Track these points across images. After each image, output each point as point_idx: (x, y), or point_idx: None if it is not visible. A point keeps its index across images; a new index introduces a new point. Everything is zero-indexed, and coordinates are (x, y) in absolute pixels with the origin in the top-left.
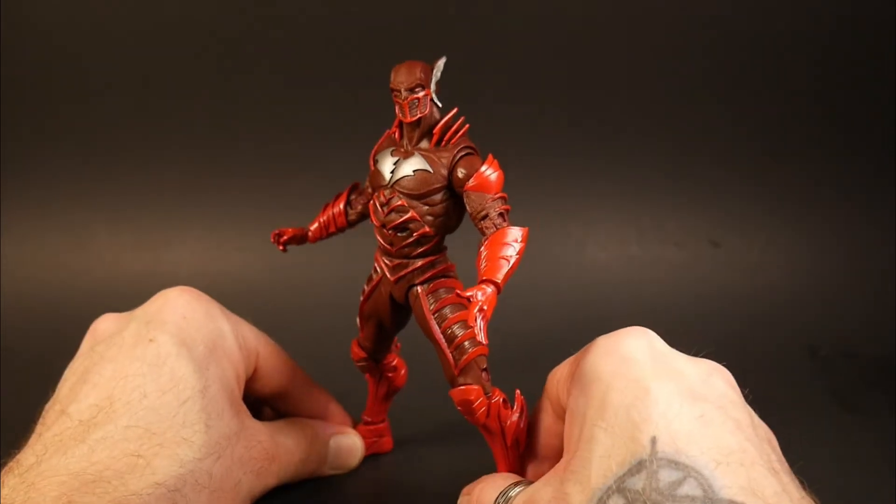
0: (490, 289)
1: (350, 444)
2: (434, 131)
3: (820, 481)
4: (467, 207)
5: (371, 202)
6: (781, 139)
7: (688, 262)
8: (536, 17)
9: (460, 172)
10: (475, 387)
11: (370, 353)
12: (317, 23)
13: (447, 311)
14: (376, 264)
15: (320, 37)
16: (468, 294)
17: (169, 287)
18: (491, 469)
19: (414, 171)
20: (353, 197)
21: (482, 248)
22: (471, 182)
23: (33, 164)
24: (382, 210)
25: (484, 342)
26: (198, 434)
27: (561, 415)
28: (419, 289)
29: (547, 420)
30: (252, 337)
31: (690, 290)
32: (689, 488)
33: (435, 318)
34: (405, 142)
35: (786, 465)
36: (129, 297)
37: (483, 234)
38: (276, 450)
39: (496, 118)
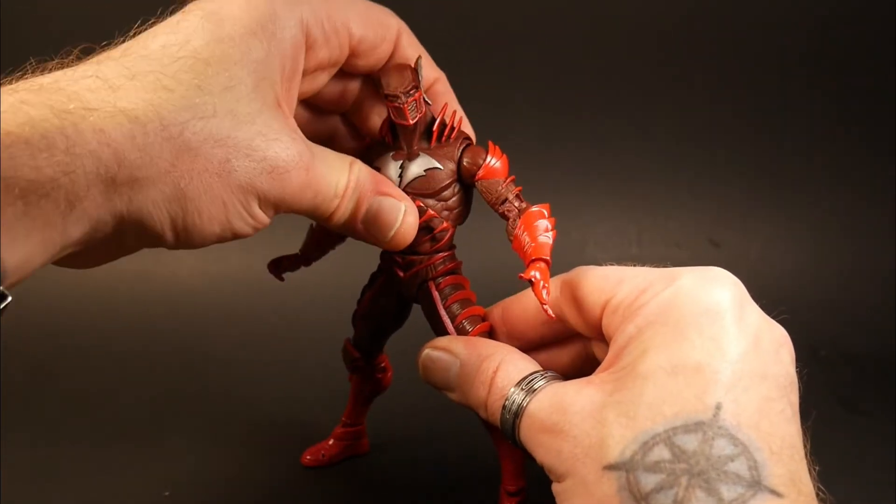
0: (544, 265)
1: (393, 207)
2: (433, 129)
3: (820, 481)
4: (484, 196)
5: None
6: (782, 139)
7: (688, 262)
8: (536, 16)
9: (466, 162)
10: None
11: (365, 353)
12: None
13: (456, 307)
14: (382, 263)
15: None
16: (529, 275)
17: (169, 288)
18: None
19: (425, 170)
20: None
21: (518, 231)
22: (480, 172)
23: None
24: None
25: (553, 317)
26: (180, 86)
27: (575, 307)
28: (431, 284)
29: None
30: (349, 20)
31: None
32: (739, 467)
33: (447, 313)
34: (403, 145)
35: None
36: (129, 297)
37: (505, 217)
38: (311, 164)
39: (495, 118)
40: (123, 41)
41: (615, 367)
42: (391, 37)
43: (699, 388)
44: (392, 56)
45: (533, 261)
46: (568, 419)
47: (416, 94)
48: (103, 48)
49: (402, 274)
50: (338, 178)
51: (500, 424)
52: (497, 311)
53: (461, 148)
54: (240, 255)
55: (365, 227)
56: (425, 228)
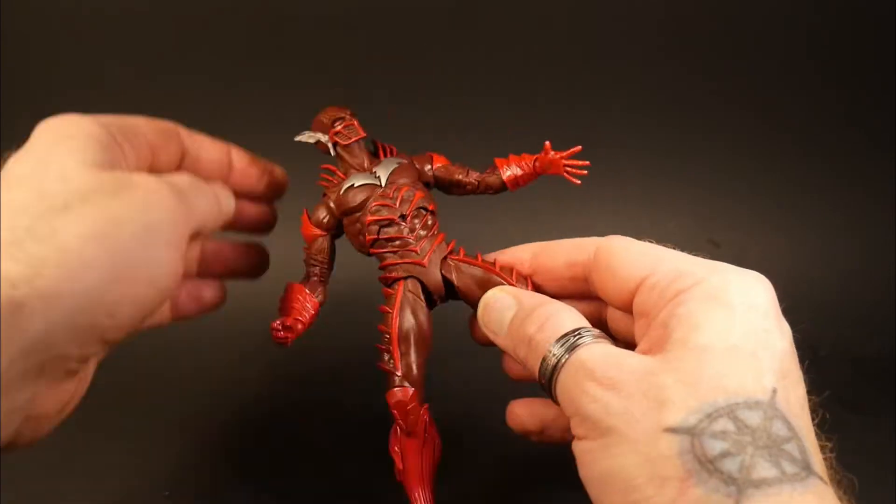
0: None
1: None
2: (380, 149)
3: None
4: (446, 178)
5: (367, 218)
6: (782, 139)
7: None
8: (533, 14)
9: (419, 164)
10: None
11: (420, 388)
12: (318, 23)
13: (500, 264)
14: (391, 276)
15: (324, 37)
16: (564, 158)
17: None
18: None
19: (397, 164)
20: (310, 289)
21: (505, 167)
22: (435, 164)
23: None
24: (393, 204)
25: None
26: (30, 201)
27: (608, 275)
28: (453, 256)
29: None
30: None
31: None
32: (793, 449)
33: (484, 261)
34: (356, 164)
35: None
36: None
37: (475, 181)
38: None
39: (494, 118)
40: None
41: (665, 340)
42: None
43: (757, 371)
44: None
45: (545, 151)
46: (623, 376)
47: (354, 120)
48: None
49: (424, 262)
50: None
51: (538, 365)
52: (526, 255)
53: (407, 158)
54: None
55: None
56: (421, 209)
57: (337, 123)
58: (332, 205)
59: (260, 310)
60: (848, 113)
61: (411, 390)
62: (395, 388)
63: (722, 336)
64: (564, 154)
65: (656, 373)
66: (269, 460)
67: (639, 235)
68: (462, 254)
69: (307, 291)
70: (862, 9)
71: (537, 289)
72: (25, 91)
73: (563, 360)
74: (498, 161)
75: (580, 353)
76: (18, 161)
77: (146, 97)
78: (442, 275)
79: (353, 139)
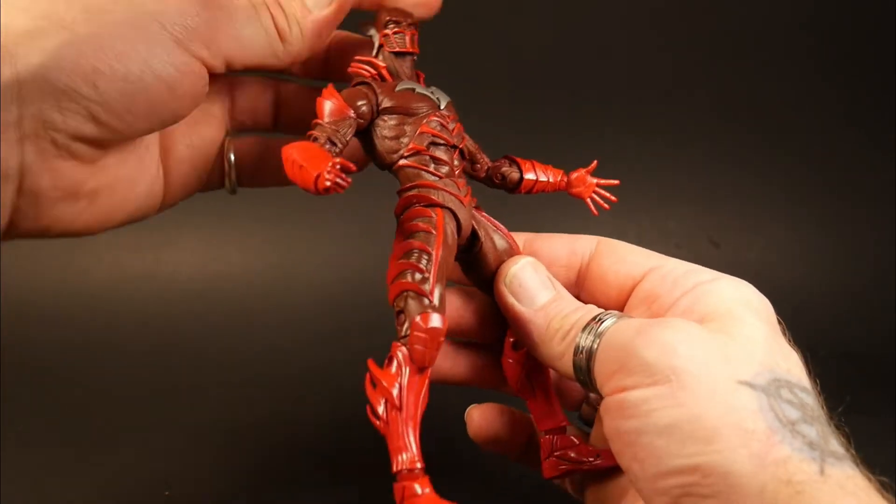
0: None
1: None
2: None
3: None
4: (468, 148)
5: (422, 127)
6: (781, 139)
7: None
8: (534, 15)
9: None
10: None
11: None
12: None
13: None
14: (431, 198)
15: None
16: (600, 182)
17: (170, 288)
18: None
19: (449, 100)
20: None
21: (531, 167)
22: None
23: None
24: (450, 129)
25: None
26: None
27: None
28: (481, 210)
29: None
30: None
31: None
32: (838, 438)
33: (508, 232)
34: (409, 77)
35: None
36: (130, 298)
37: (488, 165)
38: None
39: (493, 118)
40: None
41: (698, 319)
42: None
43: (796, 361)
44: None
45: (587, 172)
46: (686, 325)
47: (408, 30)
48: None
49: (464, 199)
50: None
51: (582, 325)
52: (518, 242)
53: None
54: (240, 255)
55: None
56: (463, 156)
57: (390, 26)
58: (378, 96)
59: (261, 310)
60: (848, 113)
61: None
62: (432, 313)
63: (760, 324)
64: (601, 182)
65: (713, 334)
66: (269, 460)
67: (639, 235)
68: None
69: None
70: (862, 9)
71: None
72: None
73: (612, 323)
74: (520, 160)
75: (626, 319)
76: None
77: None
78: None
79: (404, 48)
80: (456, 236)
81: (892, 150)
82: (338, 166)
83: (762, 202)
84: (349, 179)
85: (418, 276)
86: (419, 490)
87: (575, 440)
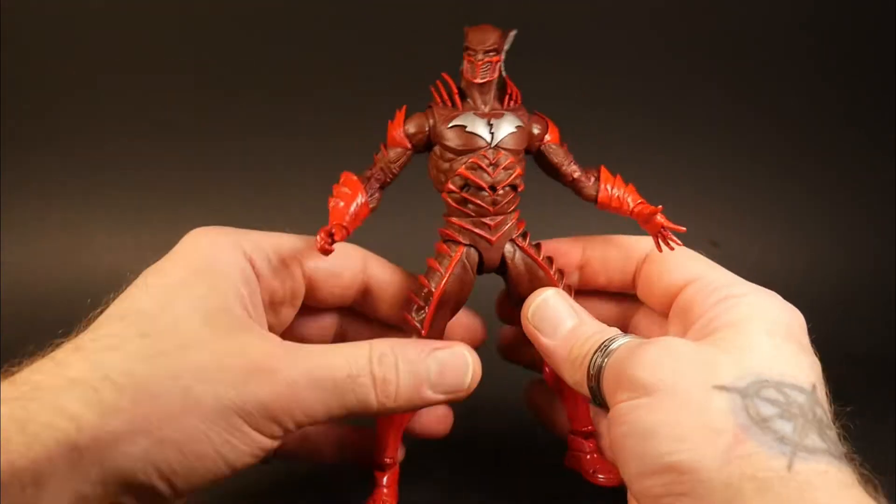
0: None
1: (454, 355)
2: (508, 92)
3: None
4: (551, 159)
5: (460, 168)
6: (782, 140)
7: None
8: (535, 14)
9: (536, 129)
10: None
11: None
12: (318, 23)
13: (543, 252)
14: (455, 238)
15: (323, 39)
16: (667, 225)
17: None
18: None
19: (516, 127)
20: (367, 188)
21: (607, 187)
22: (548, 136)
23: (33, 164)
24: (490, 171)
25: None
26: (125, 342)
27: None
28: (519, 241)
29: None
30: (295, 250)
31: None
32: (832, 435)
33: (545, 262)
34: (479, 104)
35: None
36: None
37: (571, 177)
38: (283, 359)
39: None
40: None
41: (713, 332)
42: (354, 266)
43: (800, 366)
44: (364, 285)
45: (652, 211)
46: (674, 344)
47: (495, 58)
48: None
49: (493, 238)
50: (342, 359)
51: (594, 349)
52: (576, 249)
53: (528, 113)
54: None
55: (436, 389)
56: (512, 186)
57: (468, 53)
58: (433, 128)
59: None
60: (848, 113)
61: None
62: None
63: (768, 336)
64: (669, 225)
65: (705, 347)
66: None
67: (640, 235)
68: (528, 239)
69: (363, 190)
70: (862, 9)
71: (575, 287)
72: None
73: (617, 345)
74: (605, 173)
75: (631, 340)
76: (146, 287)
77: (148, 101)
78: (502, 254)
79: (475, 80)
80: (474, 269)
81: (892, 150)
82: (329, 233)
83: (762, 202)
84: (333, 249)
85: (414, 309)
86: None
87: (588, 447)
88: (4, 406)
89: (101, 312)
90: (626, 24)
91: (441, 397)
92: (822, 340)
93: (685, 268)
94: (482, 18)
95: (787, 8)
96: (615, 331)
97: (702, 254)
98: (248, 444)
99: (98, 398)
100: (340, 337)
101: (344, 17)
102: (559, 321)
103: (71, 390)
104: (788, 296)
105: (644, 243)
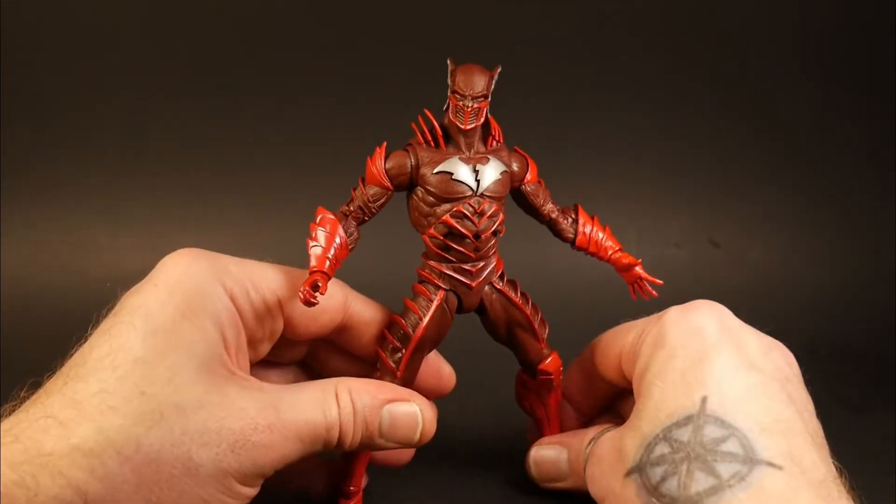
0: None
1: (407, 411)
2: (492, 133)
3: None
4: (528, 199)
5: (444, 216)
6: (782, 139)
7: (688, 262)
8: (533, 16)
9: (516, 167)
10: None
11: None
12: (318, 26)
13: (530, 305)
14: (435, 282)
15: (322, 40)
16: (645, 276)
17: None
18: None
19: (500, 173)
20: (345, 227)
21: (585, 229)
22: (528, 175)
23: (33, 164)
24: (475, 219)
25: (654, 294)
26: (125, 401)
27: (593, 375)
28: (497, 282)
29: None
30: (275, 288)
31: (690, 291)
32: (732, 446)
33: (521, 302)
34: (464, 147)
35: (827, 448)
36: None
37: (549, 217)
38: (275, 419)
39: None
40: (64, 362)
41: (636, 399)
42: (334, 306)
43: (685, 390)
44: (343, 324)
45: (632, 263)
46: (600, 451)
47: (483, 104)
48: (48, 377)
49: (473, 284)
50: (320, 413)
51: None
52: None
53: (508, 153)
54: (239, 255)
55: (388, 438)
56: (494, 232)
57: (455, 97)
58: (416, 169)
59: None
60: (848, 113)
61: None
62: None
63: (659, 374)
64: (647, 277)
65: (621, 438)
66: None
67: (640, 235)
68: (505, 279)
69: (341, 230)
70: (862, 9)
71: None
72: (26, 91)
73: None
74: (582, 214)
75: (589, 448)
76: (133, 328)
77: (148, 102)
78: (481, 297)
79: (463, 127)
80: (453, 313)
81: (892, 151)
82: (314, 285)
83: (762, 202)
84: (318, 301)
85: (390, 349)
86: None
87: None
88: (13, 471)
89: (86, 341)
90: (626, 24)
91: (392, 445)
92: (822, 340)
93: (613, 347)
94: (474, 26)
95: (787, 8)
96: (588, 437)
97: (702, 255)
98: (236, 499)
99: (105, 471)
100: (311, 356)
101: (333, 19)
102: (561, 465)
103: (78, 460)
104: (789, 296)
105: (628, 330)
